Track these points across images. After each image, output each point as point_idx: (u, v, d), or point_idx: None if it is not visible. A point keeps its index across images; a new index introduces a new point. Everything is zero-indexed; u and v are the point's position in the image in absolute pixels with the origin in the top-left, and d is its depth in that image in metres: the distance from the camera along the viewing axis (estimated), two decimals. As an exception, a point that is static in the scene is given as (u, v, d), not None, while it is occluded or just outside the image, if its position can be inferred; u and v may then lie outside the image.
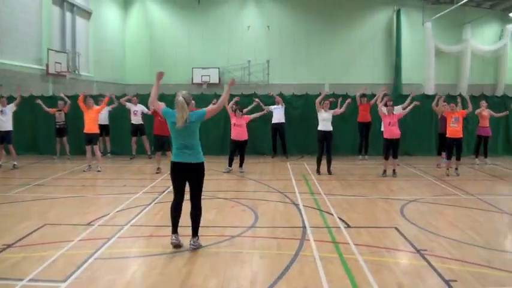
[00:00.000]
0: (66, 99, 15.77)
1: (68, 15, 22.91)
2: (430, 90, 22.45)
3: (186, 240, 6.51)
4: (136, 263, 6.04)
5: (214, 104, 11.98)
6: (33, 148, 17.07)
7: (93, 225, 7.70)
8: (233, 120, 13.19)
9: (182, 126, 6.17)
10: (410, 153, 16.57)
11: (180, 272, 5.68)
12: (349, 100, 14.09)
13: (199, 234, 6.53)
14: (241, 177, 12.62)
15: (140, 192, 10.30)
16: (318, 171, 12.94)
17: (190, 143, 6.31)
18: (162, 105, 6.65)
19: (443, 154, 13.81)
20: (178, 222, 6.48)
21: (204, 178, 6.54)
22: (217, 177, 12.53)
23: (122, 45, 28.11)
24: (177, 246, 6.41)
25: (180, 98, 6.19)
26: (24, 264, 5.90)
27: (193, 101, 9.18)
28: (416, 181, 12.10)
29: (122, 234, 7.19)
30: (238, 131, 13.10)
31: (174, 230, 6.46)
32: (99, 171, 13.25)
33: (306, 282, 5.39)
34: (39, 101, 15.84)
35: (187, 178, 6.40)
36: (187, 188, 6.49)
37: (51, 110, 15.76)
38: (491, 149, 15.77)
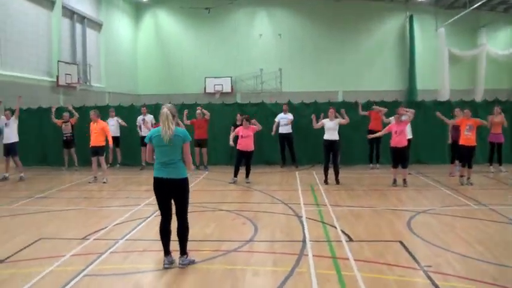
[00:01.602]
0: (73, 111, 15.82)
1: (79, 27, 22.97)
2: (445, 96, 22.03)
3: (177, 254, 6.28)
4: (124, 281, 5.83)
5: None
6: (43, 160, 17.10)
7: (88, 239, 7.52)
8: (240, 132, 12.98)
9: (168, 140, 5.97)
10: (423, 162, 16.17)
11: (168, 290, 5.46)
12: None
13: (192, 249, 6.32)
14: (248, 188, 12.39)
15: (142, 204, 10.10)
16: (326, 181, 12.65)
17: (172, 158, 6.08)
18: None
19: (456, 162, 13.44)
20: (169, 244, 6.23)
21: (189, 194, 6.29)
22: (222, 188, 12.35)
23: (134, 56, 28.15)
24: (169, 267, 6.17)
25: (164, 110, 6.00)
26: (10, 282, 5.73)
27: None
28: (427, 191, 11.72)
29: (116, 248, 7.00)
30: (246, 142, 12.89)
31: (166, 253, 6.22)
32: (104, 182, 13.16)
33: (299, 301, 5.13)
34: (54, 109, 16.05)
35: (171, 195, 6.16)
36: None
37: (58, 122, 15.78)
38: (507, 156, 15.25)
